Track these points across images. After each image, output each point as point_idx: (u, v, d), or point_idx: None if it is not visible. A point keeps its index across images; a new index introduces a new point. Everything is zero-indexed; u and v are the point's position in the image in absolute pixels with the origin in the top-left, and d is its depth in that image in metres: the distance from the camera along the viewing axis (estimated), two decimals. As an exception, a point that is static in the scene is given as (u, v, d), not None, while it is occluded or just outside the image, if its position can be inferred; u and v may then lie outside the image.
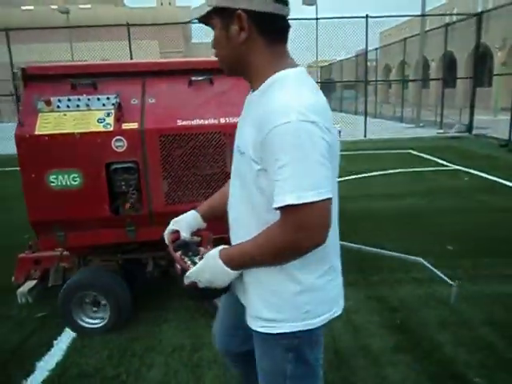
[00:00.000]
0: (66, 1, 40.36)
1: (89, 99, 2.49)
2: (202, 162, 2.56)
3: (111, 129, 2.43)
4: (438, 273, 2.89)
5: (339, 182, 1.23)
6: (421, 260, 2.98)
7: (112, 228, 2.58)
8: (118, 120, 2.46)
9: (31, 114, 2.43)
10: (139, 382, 2.30)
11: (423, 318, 2.81)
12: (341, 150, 1.19)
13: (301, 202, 0.99)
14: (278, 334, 1.17)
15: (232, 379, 2.22)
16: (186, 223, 1.45)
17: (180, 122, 2.50)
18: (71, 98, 2.48)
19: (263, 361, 1.26)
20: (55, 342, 2.67)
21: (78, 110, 2.47)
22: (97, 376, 2.34)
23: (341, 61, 26.20)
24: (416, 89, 17.88)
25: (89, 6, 40.91)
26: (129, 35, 11.75)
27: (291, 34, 1.18)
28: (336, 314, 1.24)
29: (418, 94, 16.19)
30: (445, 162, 8.34)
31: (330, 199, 1.03)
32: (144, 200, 2.54)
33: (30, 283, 3.08)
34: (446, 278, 2.84)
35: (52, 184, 2.42)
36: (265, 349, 1.24)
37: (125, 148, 2.45)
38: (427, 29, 16.39)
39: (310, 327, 1.18)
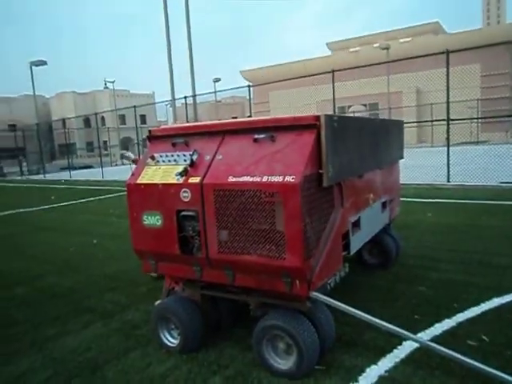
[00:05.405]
0: (387, 37, 42.95)
1: (178, 155, 3.01)
2: (250, 217, 2.64)
3: (181, 181, 2.86)
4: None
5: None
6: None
7: (184, 265, 3.00)
8: (188, 174, 2.86)
9: (141, 167, 3.15)
10: None
11: None
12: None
13: None
14: None
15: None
16: None
17: (231, 179, 2.69)
18: (167, 154, 3.06)
19: None
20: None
21: (169, 165, 3.03)
22: None
23: None
24: None
25: (408, 39, 42.16)
26: (447, 63, 10.84)
27: None
28: None
29: None
30: None
31: None
32: (203, 245, 2.84)
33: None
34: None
35: (144, 222, 3.05)
36: None
37: (189, 198, 2.83)
38: None
39: None
